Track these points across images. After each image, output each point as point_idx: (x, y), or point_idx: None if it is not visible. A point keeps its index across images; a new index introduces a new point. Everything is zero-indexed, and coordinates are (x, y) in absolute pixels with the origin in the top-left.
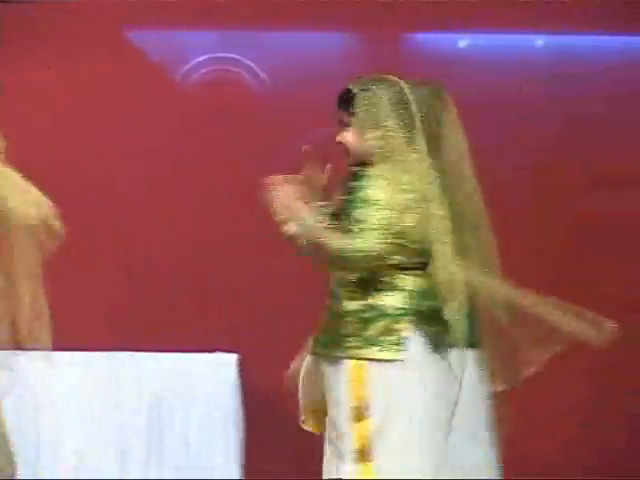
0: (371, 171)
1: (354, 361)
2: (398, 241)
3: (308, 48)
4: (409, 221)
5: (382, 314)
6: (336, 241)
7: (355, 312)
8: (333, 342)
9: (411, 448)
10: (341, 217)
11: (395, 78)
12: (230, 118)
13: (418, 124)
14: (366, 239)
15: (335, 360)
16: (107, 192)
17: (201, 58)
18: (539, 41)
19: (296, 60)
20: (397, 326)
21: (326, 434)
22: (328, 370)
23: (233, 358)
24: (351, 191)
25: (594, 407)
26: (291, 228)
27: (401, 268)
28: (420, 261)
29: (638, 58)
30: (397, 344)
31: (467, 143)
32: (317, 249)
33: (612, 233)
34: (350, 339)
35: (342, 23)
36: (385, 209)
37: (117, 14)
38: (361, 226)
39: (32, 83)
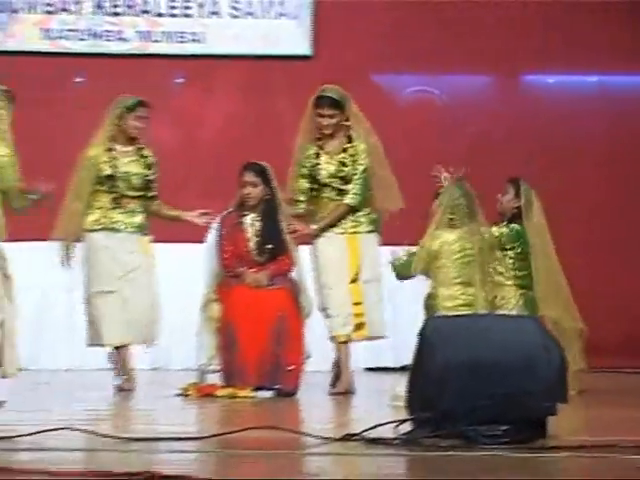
0: None
1: None
2: None
3: (464, 84)
4: None
5: None
6: None
7: None
8: None
9: None
10: None
11: None
12: (422, 120)
13: None
14: None
15: None
16: None
17: (411, 89)
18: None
19: (461, 89)
20: None
21: None
22: None
23: None
24: None
25: None
26: None
27: None
28: None
29: None
30: None
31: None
32: None
33: None
34: None
35: (485, 69)
36: None
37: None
38: None
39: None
